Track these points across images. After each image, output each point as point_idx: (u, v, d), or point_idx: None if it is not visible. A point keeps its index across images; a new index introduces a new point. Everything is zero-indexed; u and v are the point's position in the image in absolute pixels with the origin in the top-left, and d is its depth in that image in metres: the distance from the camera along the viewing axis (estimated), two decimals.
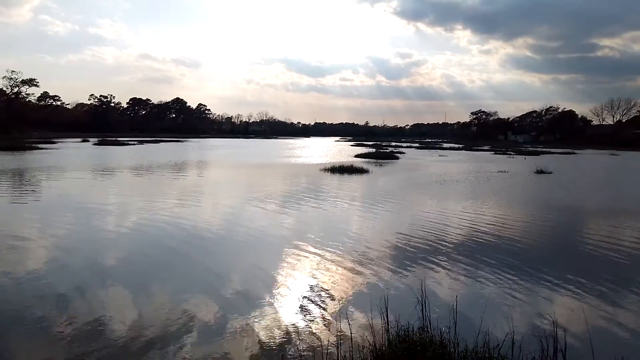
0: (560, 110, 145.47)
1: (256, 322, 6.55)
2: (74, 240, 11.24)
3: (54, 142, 69.18)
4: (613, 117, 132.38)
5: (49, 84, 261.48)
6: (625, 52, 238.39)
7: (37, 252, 10.11)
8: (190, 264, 9.44)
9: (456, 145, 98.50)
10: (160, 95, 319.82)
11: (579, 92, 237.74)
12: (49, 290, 7.61)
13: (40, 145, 57.01)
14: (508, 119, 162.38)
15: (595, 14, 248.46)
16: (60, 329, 6.18)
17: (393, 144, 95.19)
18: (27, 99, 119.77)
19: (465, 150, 79.50)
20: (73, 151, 52.09)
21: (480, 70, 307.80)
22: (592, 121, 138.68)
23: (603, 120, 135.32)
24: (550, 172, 33.28)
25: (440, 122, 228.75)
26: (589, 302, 7.58)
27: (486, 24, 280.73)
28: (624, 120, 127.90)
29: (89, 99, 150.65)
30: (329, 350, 5.27)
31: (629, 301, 7.75)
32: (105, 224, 13.13)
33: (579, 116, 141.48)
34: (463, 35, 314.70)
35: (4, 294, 7.45)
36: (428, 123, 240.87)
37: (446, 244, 11.42)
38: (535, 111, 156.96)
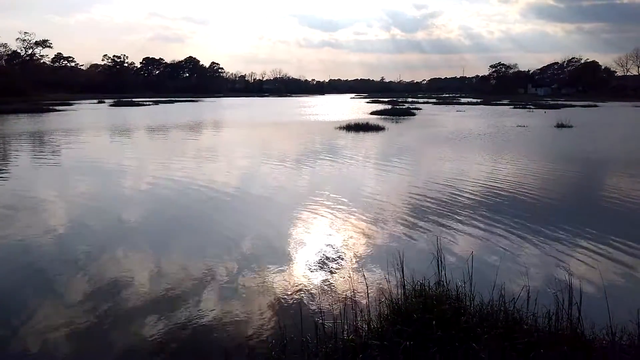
0: (583, 61, 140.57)
1: (273, 278, 6.71)
2: (93, 200, 11.51)
3: (70, 104, 69.56)
4: (638, 67, 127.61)
5: (60, 45, 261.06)
6: None
7: (58, 212, 10.40)
8: (207, 222, 9.63)
9: (474, 100, 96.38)
10: (172, 54, 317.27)
11: (604, 42, 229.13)
12: (66, 249, 7.86)
13: (57, 107, 57.23)
14: (528, 71, 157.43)
15: None
16: (78, 287, 6.42)
17: (409, 100, 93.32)
18: (42, 61, 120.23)
19: (484, 104, 77.85)
20: (91, 112, 52.45)
21: (500, 20, 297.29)
22: (615, 72, 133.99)
23: (628, 71, 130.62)
24: (571, 126, 32.55)
25: (458, 77, 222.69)
26: (606, 257, 7.56)
27: None
28: None
29: (103, 60, 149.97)
30: (346, 304, 5.40)
31: None
32: (124, 184, 13.39)
33: (603, 67, 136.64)
34: None
35: (27, 253, 7.73)
36: (445, 77, 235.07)
37: (462, 199, 11.40)
38: (556, 63, 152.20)
